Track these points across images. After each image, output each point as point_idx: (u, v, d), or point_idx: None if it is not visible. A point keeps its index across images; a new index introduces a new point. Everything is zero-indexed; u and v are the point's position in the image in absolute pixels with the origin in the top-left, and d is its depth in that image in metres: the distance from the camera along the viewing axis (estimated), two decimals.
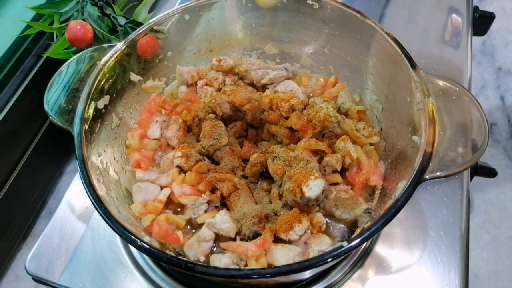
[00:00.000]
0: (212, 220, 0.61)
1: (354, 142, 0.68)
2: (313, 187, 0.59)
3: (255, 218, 0.61)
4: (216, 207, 0.66)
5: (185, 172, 0.68)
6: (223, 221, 0.61)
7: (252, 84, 0.81)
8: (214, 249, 0.62)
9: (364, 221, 0.61)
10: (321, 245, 0.60)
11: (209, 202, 0.65)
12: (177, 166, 0.68)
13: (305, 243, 0.61)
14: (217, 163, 0.70)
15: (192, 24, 0.76)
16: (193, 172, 0.66)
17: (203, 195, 0.65)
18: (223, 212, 0.62)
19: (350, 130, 0.68)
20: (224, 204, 0.66)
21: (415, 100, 0.59)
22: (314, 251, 0.59)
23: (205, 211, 0.64)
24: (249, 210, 0.62)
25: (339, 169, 0.65)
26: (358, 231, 0.58)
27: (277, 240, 0.61)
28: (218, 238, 0.62)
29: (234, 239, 0.61)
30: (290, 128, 0.70)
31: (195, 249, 0.60)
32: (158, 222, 0.61)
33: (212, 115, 0.71)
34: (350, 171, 0.66)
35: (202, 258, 0.60)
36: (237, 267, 0.58)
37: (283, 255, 0.58)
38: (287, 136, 0.69)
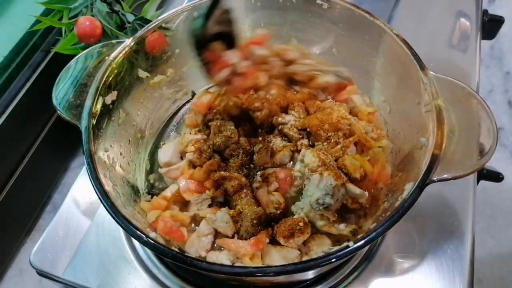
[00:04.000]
0: (213, 216, 0.61)
1: (364, 145, 0.67)
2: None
3: (254, 220, 0.61)
4: (220, 203, 0.66)
5: (194, 167, 0.68)
6: (223, 219, 0.61)
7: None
8: (215, 245, 0.62)
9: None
10: (323, 247, 0.60)
11: (212, 198, 0.65)
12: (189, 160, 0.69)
13: (304, 245, 0.61)
14: (226, 160, 0.70)
15: None
16: (203, 169, 0.66)
17: (207, 191, 0.65)
18: (224, 210, 0.62)
19: (360, 133, 0.67)
20: (227, 201, 0.67)
21: (423, 102, 0.59)
22: (316, 253, 0.59)
23: (209, 206, 0.65)
24: (250, 211, 0.62)
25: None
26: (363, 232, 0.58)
27: (275, 241, 0.61)
28: (218, 235, 0.62)
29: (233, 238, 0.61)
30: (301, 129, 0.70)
31: (195, 245, 0.61)
32: (163, 219, 0.62)
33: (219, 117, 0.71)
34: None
35: (203, 254, 0.60)
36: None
37: (281, 257, 0.58)
38: (298, 140, 0.69)
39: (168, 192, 0.67)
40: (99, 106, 0.62)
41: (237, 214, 0.63)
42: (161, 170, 0.71)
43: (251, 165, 0.69)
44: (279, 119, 0.71)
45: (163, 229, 0.60)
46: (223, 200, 0.67)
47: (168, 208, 0.65)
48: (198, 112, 0.75)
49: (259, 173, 0.67)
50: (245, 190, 0.65)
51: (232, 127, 0.70)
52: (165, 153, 0.72)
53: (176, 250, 0.50)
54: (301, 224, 0.60)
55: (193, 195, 0.65)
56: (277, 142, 0.70)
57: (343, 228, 0.60)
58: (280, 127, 0.71)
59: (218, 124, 0.69)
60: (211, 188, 0.66)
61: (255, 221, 0.61)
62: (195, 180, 0.66)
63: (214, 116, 0.71)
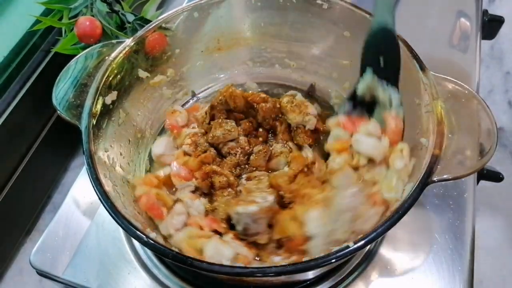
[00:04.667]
0: (189, 201, 0.63)
1: None
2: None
3: (224, 220, 0.62)
4: (204, 194, 0.67)
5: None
6: (197, 209, 0.63)
7: None
8: None
9: None
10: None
11: (198, 187, 0.67)
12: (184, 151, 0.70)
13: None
14: (223, 156, 0.71)
15: (201, 22, 0.76)
16: (197, 159, 0.68)
17: (193, 179, 0.66)
18: (203, 201, 0.64)
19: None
20: (211, 194, 0.68)
21: (424, 102, 0.59)
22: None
23: (192, 192, 0.66)
24: (223, 211, 0.63)
25: None
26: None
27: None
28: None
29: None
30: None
31: (168, 222, 0.62)
32: (148, 195, 0.63)
33: (222, 107, 0.72)
34: None
35: (172, 231, 0.61)
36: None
37: (215, 249, 0.58)
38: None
39: (161, 172, 0.69)
40: (99, 106, 0.62)
41: (212, 210, 0.64)
42: (154, 154, 0.72)
43: (246, 166, 0.70)
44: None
45: (146, 204, 0.61)
46: (207, 192, 0.68)
47: (158, 188, 0.66)
48: (176, 134, 0.75)
49: (244, 175, 0.68)
50: (229, 190, 0.66)
51: (233, 124, 0.71)
52: (159, 146, 0.73)
53: (176, 250, 0.50)
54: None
55: (181, 181, 0.66)
56: (277, 147, 0.70)
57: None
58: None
59: (220, 121, 0.70)
60: (199, 179, 0.67)
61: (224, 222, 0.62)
62: (187, 168, 0.68)
63: (218, 103, 0.72)
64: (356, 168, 0.61)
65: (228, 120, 0.71)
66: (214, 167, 0.67)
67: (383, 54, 0.61)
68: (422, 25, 0.99)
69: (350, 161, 0.62)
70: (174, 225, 0.62)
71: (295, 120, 0.72)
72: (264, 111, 0.71)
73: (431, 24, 0.99)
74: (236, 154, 0.69)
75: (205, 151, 0.69)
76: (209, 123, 0.73)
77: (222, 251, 0.56)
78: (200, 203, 0.64)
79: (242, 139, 0.71)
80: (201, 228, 0.61)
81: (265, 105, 0.71)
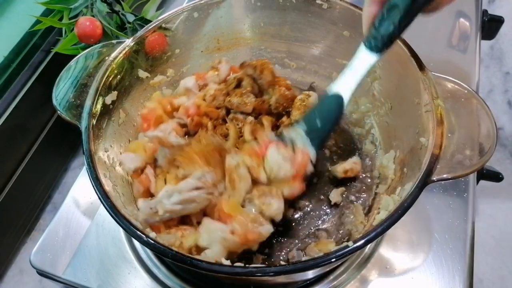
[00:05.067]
0: (170, 126, 0.70)
1: None
2: None
3: None
4: (188, 134, 0.73)
5: None
6: (165, 133, 0.67)
7: None
8: None
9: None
10: None
11: (185, 126, 0.73)
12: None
13: None
14: (226, 122, 0.73)
15: (201, 22, 0.76)
16: (206, 108, 0.73)
17: (189, 120, 0.72)
18: (182, 140, 0.67)
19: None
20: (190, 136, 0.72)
21: (423, 102, 0.59)
22: None
23: (180, 124, 0.73)
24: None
25: None
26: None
27: None
28: None
29: None
30: None
31: (147, 131, 0.69)
32: (153, 111, 0.71)
33: (250, 71, 0.75)
34: None
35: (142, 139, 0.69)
36: None
37: None
38: None
39: (177, 101, 0.74)
40: (99, 106, 0.62)
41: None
42: (185, 85, 0.77)
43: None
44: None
45: (145, 114, 0.71)
46: (191, 134, 0.73)
47: (166, 112, 0.73)
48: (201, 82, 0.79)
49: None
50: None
51: (253, 100, 0.73)
52: (191, 80, 0.77)
53: (176, 250, 0.50)
54: None
55: (184, 113, 0.72)
56: None
57: None
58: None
59: (244, 91, 0.73)
60: (193, 122, 0.71)
61: None
62: (196, 109, 0.72)
63: (249, 64, 0.75)
64: (254, 182, 0.61)
65: (251, 95, 0.73)
66: (209, 124, 0.71)
67: (323, 118, 0.61)
68: (421, 25, 0.98)
69: (252, 167, 0.61)
70: (147, 134, 0.68)
71: (295, 118, 0.72)
72: (281, 94, 0.73)
73: (431, 24, 0.99)
74: (235, 126, 0.71)
75: (218, 108, 0.73)
76: (234, 88, 0.75)
77: (135, 160, 0.66)
78: (178, 139, 0.66)
79: (251, 119, 0.72)
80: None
81: (285, 90, 0.74)
